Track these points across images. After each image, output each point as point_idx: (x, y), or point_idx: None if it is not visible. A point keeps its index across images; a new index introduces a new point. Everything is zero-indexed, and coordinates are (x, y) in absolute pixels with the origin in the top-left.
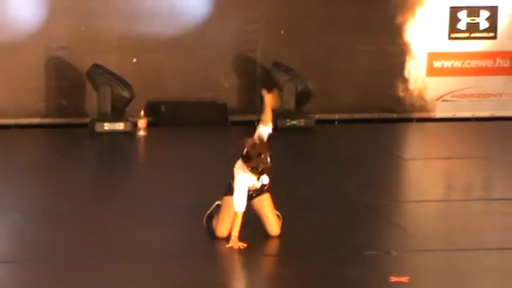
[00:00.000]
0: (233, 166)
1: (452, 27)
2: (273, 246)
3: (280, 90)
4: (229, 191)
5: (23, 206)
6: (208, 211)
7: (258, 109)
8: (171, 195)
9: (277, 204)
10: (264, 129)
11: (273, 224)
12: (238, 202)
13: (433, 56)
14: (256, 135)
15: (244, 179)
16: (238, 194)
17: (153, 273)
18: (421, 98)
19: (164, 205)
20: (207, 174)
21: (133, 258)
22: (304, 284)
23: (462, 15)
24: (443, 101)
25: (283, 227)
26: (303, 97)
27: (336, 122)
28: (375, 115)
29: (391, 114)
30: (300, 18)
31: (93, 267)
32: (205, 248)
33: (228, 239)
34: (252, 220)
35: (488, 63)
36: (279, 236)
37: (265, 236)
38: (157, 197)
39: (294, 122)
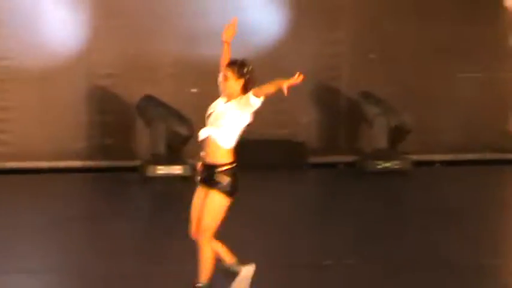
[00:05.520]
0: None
1: None
2: None
3: (370, 126)
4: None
5: (60, 267)
6: None
7: (343, 149)
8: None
9: (362, 261)
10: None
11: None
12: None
13: None
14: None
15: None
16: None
17: None
18: None
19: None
20: (279, 231)
21: None
22: None
23: None
24: None
25: None
26: (397, 134)
27: (437, 164)
28: (485, 155)
29: (504, 155)
30: (393, 38)
31: None
32: None
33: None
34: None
35: None
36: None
37: None
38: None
39: (386, 165)
